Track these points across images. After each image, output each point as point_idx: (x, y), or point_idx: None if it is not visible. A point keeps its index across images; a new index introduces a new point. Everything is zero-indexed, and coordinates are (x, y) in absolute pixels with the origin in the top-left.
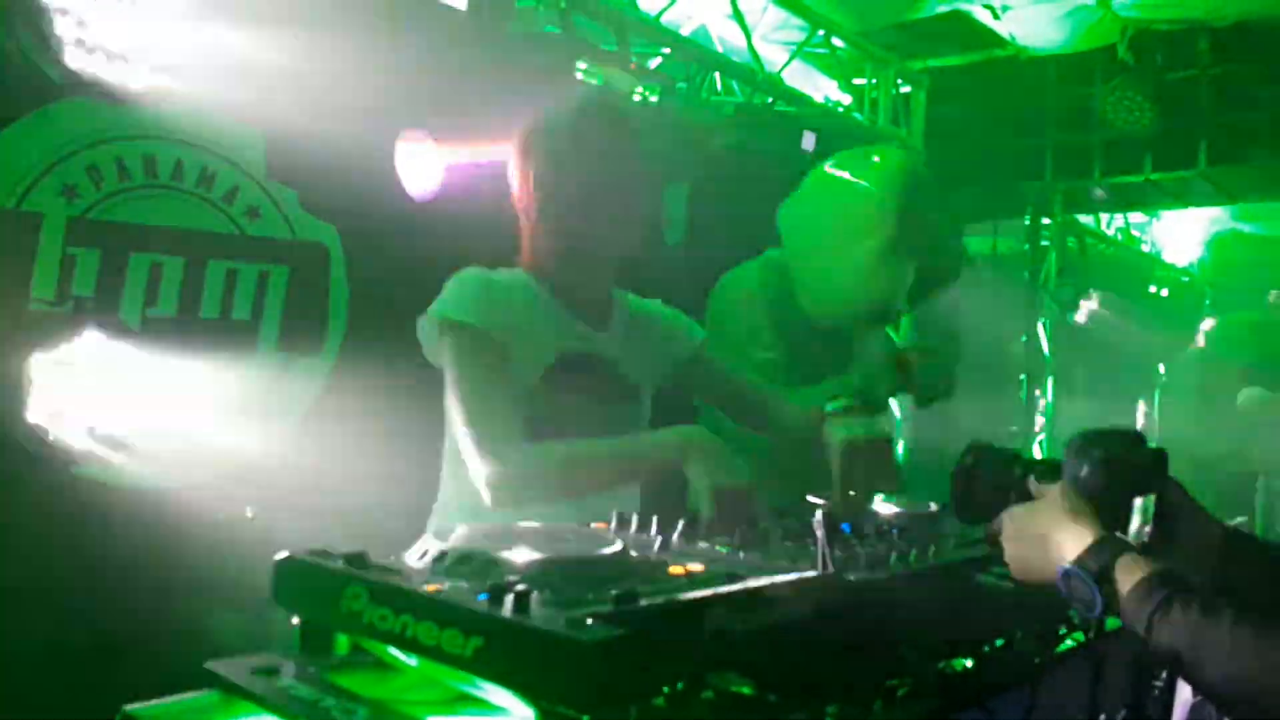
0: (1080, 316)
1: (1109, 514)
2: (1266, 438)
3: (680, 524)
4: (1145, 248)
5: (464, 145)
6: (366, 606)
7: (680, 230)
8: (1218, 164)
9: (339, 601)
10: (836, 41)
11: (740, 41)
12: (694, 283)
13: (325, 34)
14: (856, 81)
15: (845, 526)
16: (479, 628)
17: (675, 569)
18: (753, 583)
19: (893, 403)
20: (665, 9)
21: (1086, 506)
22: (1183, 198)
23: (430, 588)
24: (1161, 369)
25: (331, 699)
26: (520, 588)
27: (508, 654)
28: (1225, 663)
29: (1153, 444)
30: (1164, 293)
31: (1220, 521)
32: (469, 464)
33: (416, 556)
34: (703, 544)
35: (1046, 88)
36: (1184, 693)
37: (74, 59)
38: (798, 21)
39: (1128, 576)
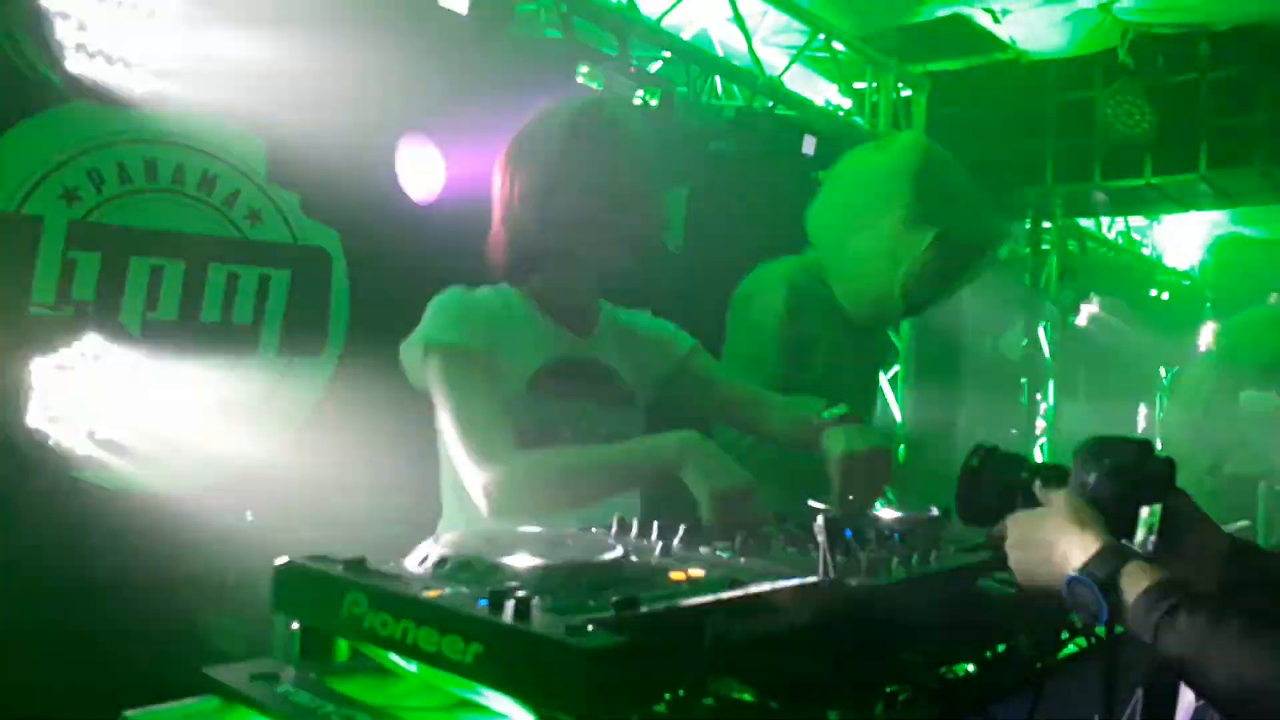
0: (1081, 320)
1: (1115, 522)
2: (1267, 441)
3: (681, 529)
4: (1146, 251)
5: (465, 149)
6: (367, 612)
7: (680, 234)
8: (1218, 167)
9: (339, 607)
10: (837, 45)
11: (741, 45)
12: (693, 286)
13: (326, 37)
14: (857, 85)
15: (847, 531)
16: (479, 634)
17: (676, 574)
18: (754, 588)
19: (893, 405)
20: (666, 13)
21: (1093, 514)
22: (1183, 201)
23: (431, 593)
24: (1163, 372)
25: (331, 705)
26: (521, 594)
27: (508, 660)
28: (1232, 669)
29: (1156, 446)
30: (1165, 296)
31: (1226, 532)
32: (464, 476)
33: (417, 562)
34: (704, 549)
35: (1047, 91)
36: (1186, 696)
37: (75, 63)
38: (798, 25)
39: (1134, 585)
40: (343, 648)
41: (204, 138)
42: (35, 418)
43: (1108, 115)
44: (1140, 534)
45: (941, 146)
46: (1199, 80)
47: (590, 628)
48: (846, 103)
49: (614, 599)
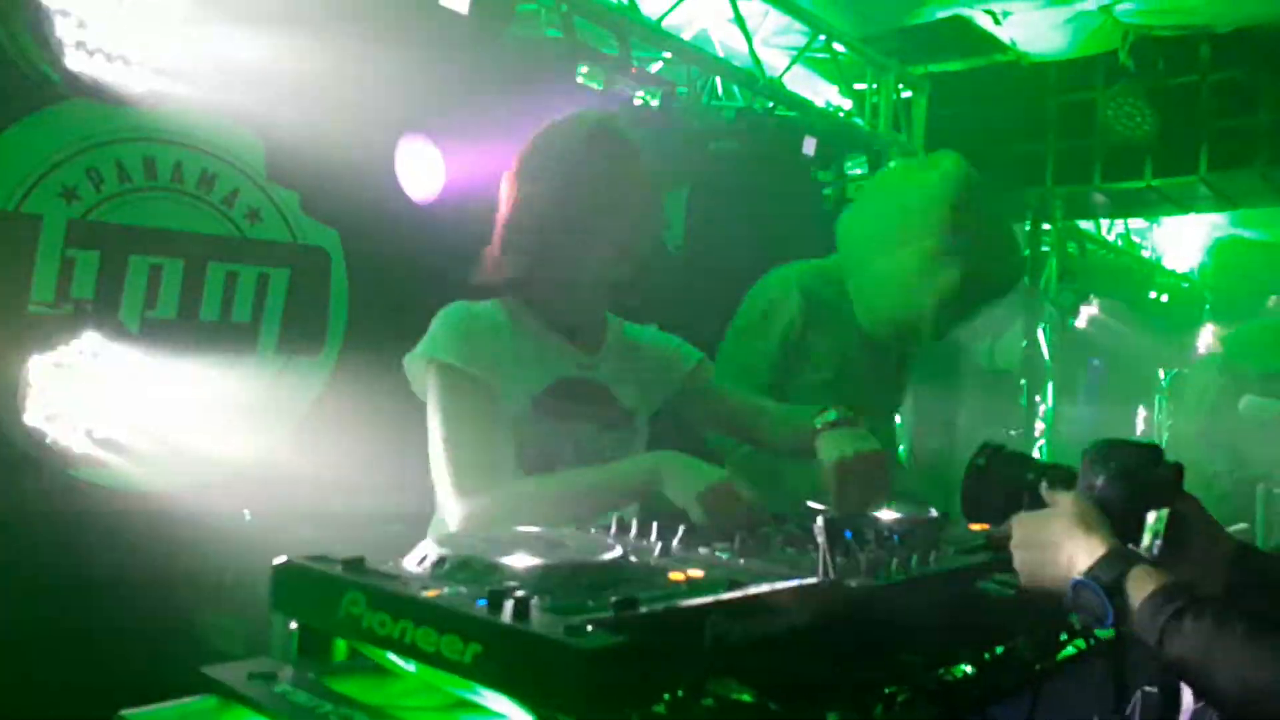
0: (1080, 322)
1: (1122, 526)
2: (1268, 446)
3: (680, 529)
4: (1146, 253)
5: (465, 149)
6: (365, 611)
7: (679, 235)
8: (1218, 169)
9: (337, 606)
10: (838, 46)
11: (741, 46)
12: (692, 286)
13: (326, 36)
14: (858, 86)
15: (847, 533)
16: (478, 634)
17: (675, 574)
18: (754, 589)
19: None
20: (667, 13)
21: (1100, 518)
22: (1183, 203)
23: (429, 593)
24: (1161, 374)
25: (329, 705)
26: (520, 594)
27: (507, 660)
28: (1236, 673)
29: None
30: (1164, 298)
31: (1232, 536)
32: (442, 502)
33: (415, 562)
34: (702, 549)
35: (1047, 93)
36: (1185, 698)
37: (74, 61)
38: (799, 26)
39: (1139, 589)
40: (341, 647)
41: (203, 136)
42: (33, 416)
43: (1108, 117)
44: (1146, 538)
45: (976, 173)
46: (1199, 82)
47: (589, 628)
48: (847, 104)
49: (613, 599)
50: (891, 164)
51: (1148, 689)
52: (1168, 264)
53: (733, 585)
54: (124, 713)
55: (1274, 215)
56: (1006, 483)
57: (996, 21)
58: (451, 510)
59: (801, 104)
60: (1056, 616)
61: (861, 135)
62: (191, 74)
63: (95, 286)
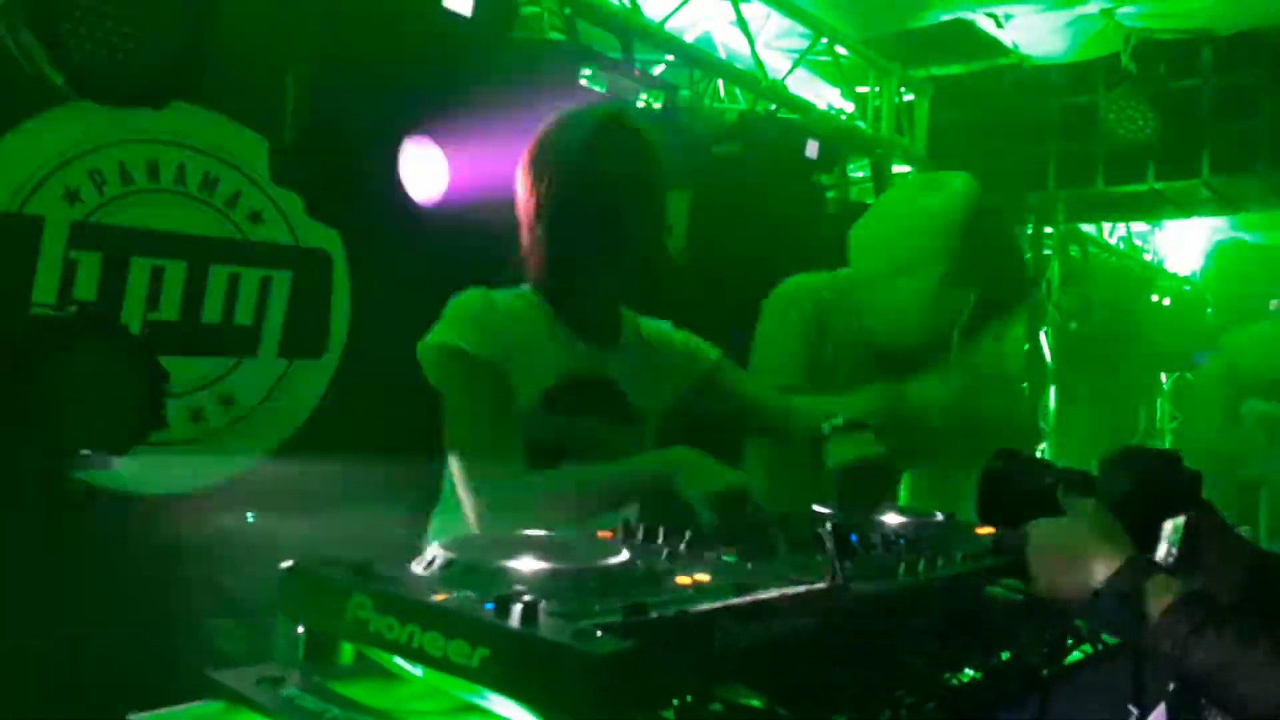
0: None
1: (1140, 534)
2: (1271, 449)
3: (687, 534)
4: (1148, 256)
5: (468, 151)
6: (372, 616)
7: (681, 238)
8: (1220, 173)
9: (344, 610)
10: (840, 49)
11: (744, 49)
12: (694, 290)
13: (330, 38)
14: (860, 89)
15: (854, 536)
16: (486, 638)
17: (682, 579)
18: (762, 594)
19: None
20: (669, 16)
21: (1118, 526)
22: (1185, 206)
23: (437, 597)
24: (1163, 378)
25: (337, 709)
26: (527, 598)
27: (515, 665)
28: (1263, 685)
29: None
30: (1166, 302)
31: (1250, 544)
32: (459, 491)
33: (422, 566)
34: (708, 554)
35: (1049, 96)
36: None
37: (77, 62)
38: (801, 29)
39: (1160, 599)
40: (347, 651)
41: (206, 138)
42: (36, 419)
43: (1110, 120)
44: (1164, 547)
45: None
46: (1201, 86)
47: (598, 633)
48: (849, 107)
49: (622, 604)
50: (906, 176)
51: (1158, 694)
52: (1169, 267)
53: (740, 590)
54: (131, 717)
55: (1275, 219)
56: (1022, 487)
57: (999, 25)
58: (467, 501)
59: (804, 107)
60: (1064, 621)
61: (864, 138)
62: (195, 75)
63: (97, 288)
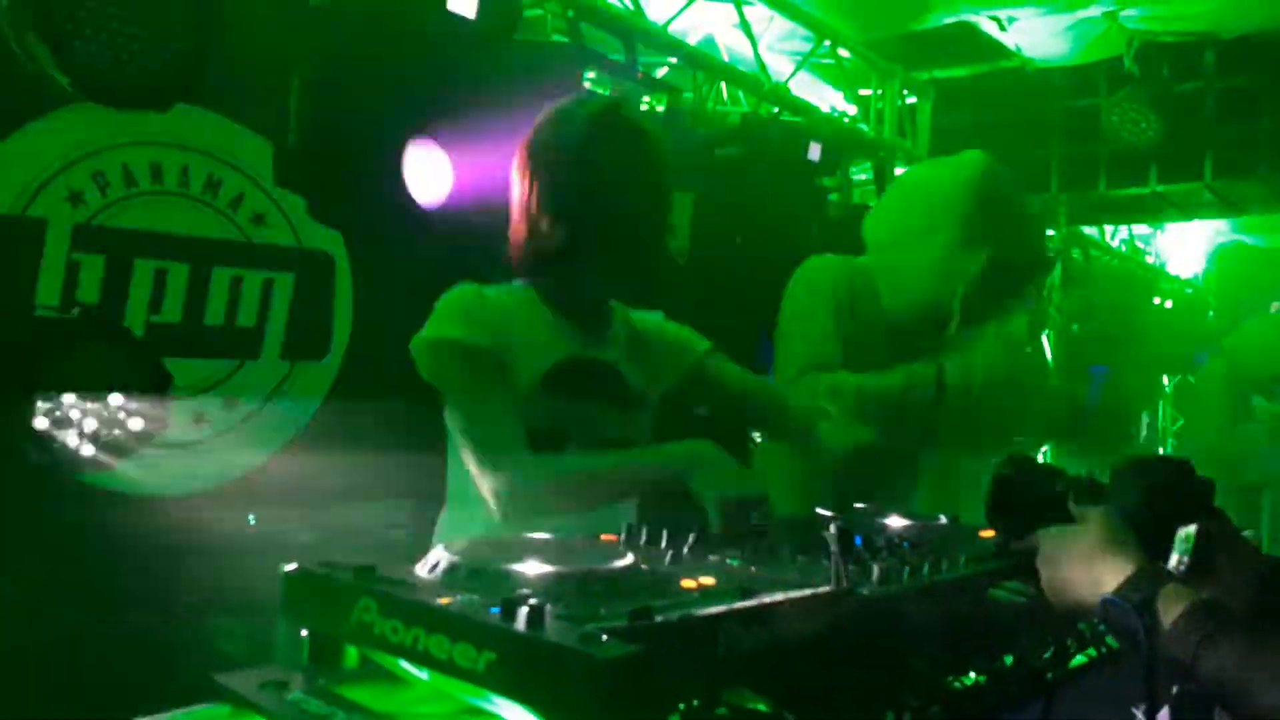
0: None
1: (1151, 542)
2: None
3: (691, 537)
4: (1150, 259)
5: (472, 153)
6: (377, 619)
7: (684, 240)
8: (1223, 176)
9: (349, 613)
10: (842, 52)
11: (747, 51)
12: (698, 291)
13: (334, 40)
14: (862, 92)
15: (857, 540)
16: (492, 641)
17: (687, 582)
18: (768, 598)
19: None
20: (672, 19)
21: (1130, 535)
22: (1188, 209)
23: (442, 600)
24: (1165, 380)
25: (342, 713)
26: (533, 602)
27: (521, 669)
28: (1273, 693)
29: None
30: (1168, 304)
31: (1261, 552)
32: (475, 477)
33: (427, 569)
34: (713, 557)
35: (1052, 99)
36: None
37: (82, 64)
38: (804, 32)
39: (1171, 608)
40: (352, 654)
41: (210, 140)
42: (39, 421)
43: (1113, 123)
44: (1175, 555)
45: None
46: (1204, 89)
47: (605, 637)
48: (852, 109)
49: (628, 608)
50: (914, 165)
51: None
52: (1171, 270)
53: (745, 593)
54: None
55: (1277, 221)
56: (1032, 493)
57: (1001, 27)
58: (487, 484)
59: (806, 109)
60: (1069, 625)
61: (866, 141)
62: (198, 77)
63: (100, 290)
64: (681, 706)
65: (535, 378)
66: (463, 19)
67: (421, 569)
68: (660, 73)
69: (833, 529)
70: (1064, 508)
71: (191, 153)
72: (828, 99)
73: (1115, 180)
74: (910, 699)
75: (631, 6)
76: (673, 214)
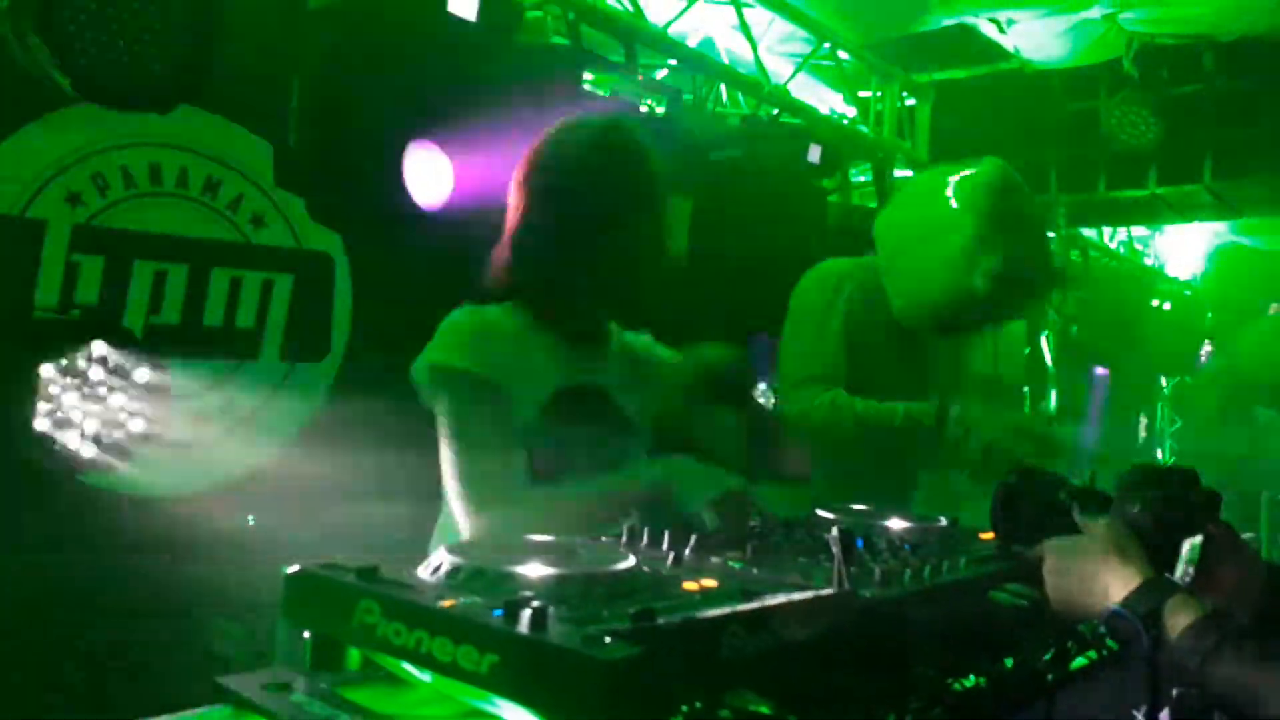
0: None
1: (1157, 553)
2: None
3: (692, 539)
4: (1148, 261)
5: (472, 155)
6: (380, 621)
7: (683, 243)
8: (1222, 178)
9: (351, 616)
10: (842, 54)
11: (746, 54)
12: (696, 294)
13: (334, 42)
14: (862, 94)
15: (859, 542)
16: (495, 644)
17: (689, 585)
18: (770, 600)
19: None
20: (672, 21)
21: (1135, 546)
22: (1187, 211)
23: (445, 603)
24: (1164, 382)
25: (345, 715)
26: (536, 604)
27: (524, 671)
28: None
29: (1160, 457)
30: (1166, 306)
31: (1266, 562)
32: (456, 514)
33: (429, 571)
34: (714, 559)
35: (1051, 101)
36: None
37: (83, 66)
38: (804, 34)
39: (1178, 619)
40: (354, 656)
41: (209, 142)
42: (40, 421)
43: (1112, 125)
44: (1180, 566)
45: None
46: (1203, 91)
47: (608, 639)
48: (851, 111)
49: (631, 610)
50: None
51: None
52: (1170, 272)
53: (747, 596)
54: None
55: (1276, 224)
56: (1038, 503)
57: (1001, 30)
58: (465, 522)
59: (806, 111)
60: (1070, 627)
61: (866, 143)
62: (200, 79)
63: (99, 291)
64: (684, 708)
65: (539, 405)
66: (463, 21)
67: (424, 570)
68: (660, 75)
69: (834, 531)
70: (1069, 518)
71: (191, 154)
72: (827, 101)
73: (1114, 182)
74: (912, 701)
75: (631, 9)
76: (671, 218)
